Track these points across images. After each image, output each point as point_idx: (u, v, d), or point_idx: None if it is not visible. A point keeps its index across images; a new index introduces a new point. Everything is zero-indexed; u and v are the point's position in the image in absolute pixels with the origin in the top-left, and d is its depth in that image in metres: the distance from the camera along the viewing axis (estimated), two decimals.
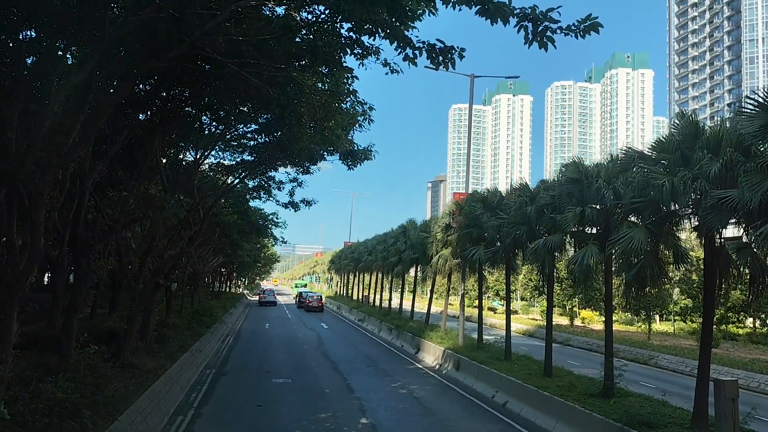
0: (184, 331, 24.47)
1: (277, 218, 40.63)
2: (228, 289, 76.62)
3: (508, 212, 18.19)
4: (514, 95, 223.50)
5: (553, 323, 48.15)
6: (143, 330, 19.04)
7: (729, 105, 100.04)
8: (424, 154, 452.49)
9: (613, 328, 43.84)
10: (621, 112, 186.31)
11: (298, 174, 23.46)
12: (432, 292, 34.50)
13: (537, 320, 51.27)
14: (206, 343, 26.60)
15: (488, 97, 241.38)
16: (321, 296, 62.98)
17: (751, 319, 45.37)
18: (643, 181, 11.95)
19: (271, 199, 28.39)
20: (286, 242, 45.56)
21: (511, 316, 54.14)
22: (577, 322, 48.69)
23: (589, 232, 15.39)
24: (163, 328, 23.46)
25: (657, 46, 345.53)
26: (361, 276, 62.12)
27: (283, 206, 27.17)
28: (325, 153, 20.21)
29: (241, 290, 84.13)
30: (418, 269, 36.45)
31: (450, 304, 29.39)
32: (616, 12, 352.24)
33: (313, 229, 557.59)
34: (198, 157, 21.33)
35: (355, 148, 19.09)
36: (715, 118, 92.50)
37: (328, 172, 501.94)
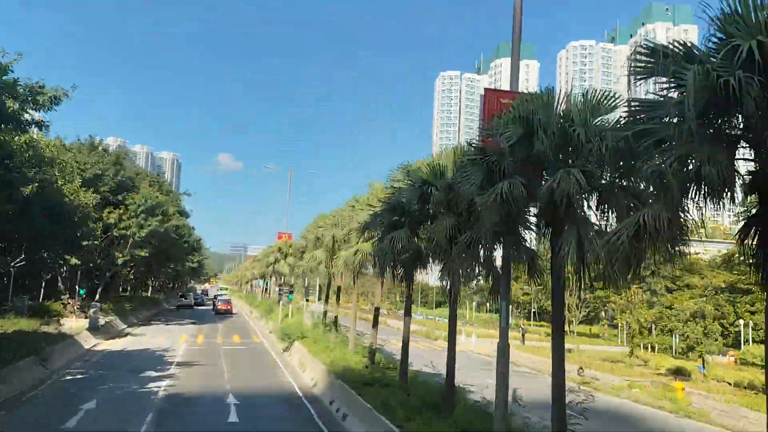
0: None
1: None
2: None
3: None
4: None
5: None
6: None
7: None
8: (398, 135, 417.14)
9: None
10: None
11: None
12: None
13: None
14: None
15: (483, 64, 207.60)
16: (230, 299, 70.16)
17: None
18: None
19: None
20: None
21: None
22: None
23: None
24: None
25: None
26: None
27: None
28: None
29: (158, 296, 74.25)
30: None
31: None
32: None
33: (268, 229, 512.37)
34: None
35: None
36: None
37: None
